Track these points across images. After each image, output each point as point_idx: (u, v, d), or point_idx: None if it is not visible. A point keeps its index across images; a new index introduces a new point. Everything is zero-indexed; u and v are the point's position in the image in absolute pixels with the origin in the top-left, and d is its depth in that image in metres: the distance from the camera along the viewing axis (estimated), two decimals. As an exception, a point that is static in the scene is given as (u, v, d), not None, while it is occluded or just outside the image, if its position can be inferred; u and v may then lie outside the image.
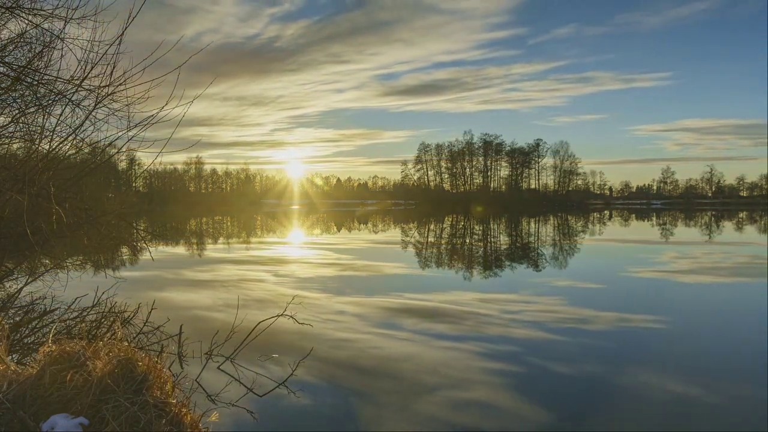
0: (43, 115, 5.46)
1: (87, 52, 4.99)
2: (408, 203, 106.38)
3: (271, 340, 6.86)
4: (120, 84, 5.00)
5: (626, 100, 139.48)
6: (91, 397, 2.62)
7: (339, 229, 36.17)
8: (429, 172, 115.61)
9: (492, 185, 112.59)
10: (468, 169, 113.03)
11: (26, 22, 5.33)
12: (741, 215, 57.86)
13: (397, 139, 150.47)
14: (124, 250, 16.01)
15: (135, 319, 6.89)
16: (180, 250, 21.49)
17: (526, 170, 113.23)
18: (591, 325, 8.19)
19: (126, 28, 4.70)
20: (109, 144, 5.82)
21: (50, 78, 5.24)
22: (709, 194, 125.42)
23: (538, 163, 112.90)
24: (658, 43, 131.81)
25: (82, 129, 5.47)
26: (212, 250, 21.35)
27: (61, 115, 5.38)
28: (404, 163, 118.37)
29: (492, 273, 14.60)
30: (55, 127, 5.40)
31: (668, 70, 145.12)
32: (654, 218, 52.14)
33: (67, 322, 6.45)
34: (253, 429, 4.48)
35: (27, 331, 6.12)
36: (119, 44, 4.80)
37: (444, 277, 13.98)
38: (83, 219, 6.23)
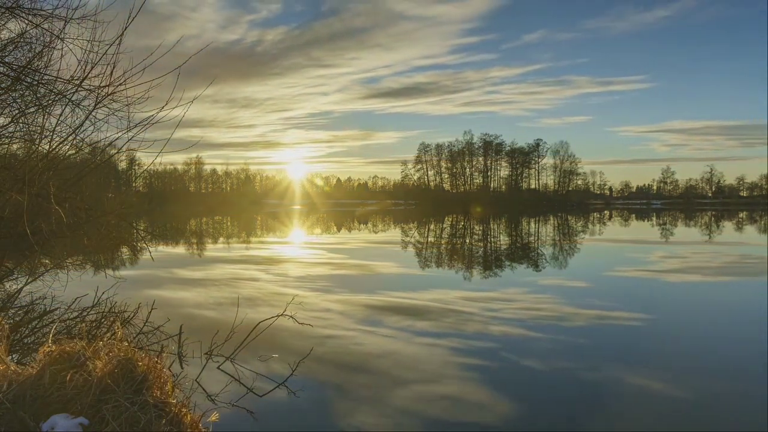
0: (43, 115, 5.46)
1: (87, 52, 4.99)
2: (408, 203, 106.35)
3: (271, 340, 6.86)
4: (120, 84, 4.99)
5: (608, 103, 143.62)
6: (91, 397, 2.62)
7: (339, 229, 36.18)
8: (429, 172, 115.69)
9: (492, 185, 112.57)
10: (468, 169, 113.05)
11: (26, 22, 5.34)
12: (741, 215, 57.87)
13: (388, 140, 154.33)
14: (124, 250, 16.01)
15: (135, 319, 6.89)
16: (180, 250, 21.49)
17: (526, 170, 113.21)
18: (569, 322, 8.35)
19: (126, 28, 4.70)
20: (109, 144, 5.83)
21: (50, 78, 5.24)
22: (709, 194, 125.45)
23: (538, 163, 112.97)
24: (629, 47, 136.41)
25: (82, 129, 5.48)
26: (212, 250, 21.36)
27: (61, 115, 5.39)
28: (404, 163, 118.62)
29: (484, 272, 14.64)
30: (55, 127, 5.41)
31: (642, 73, 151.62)
32: (654, 218, 52.17)
33: (67, 322, 6.45)
34: (253, 429, 4.48)
35: (27, 331, 6.13)
36: (119, 44, 4.80)
37: (437, 276, 13.99)
38: (83, 219, 6.23)
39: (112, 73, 4.91)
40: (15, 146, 6.75)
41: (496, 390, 5.43)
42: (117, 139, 5.62)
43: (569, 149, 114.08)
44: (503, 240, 27.40)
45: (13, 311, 6.78)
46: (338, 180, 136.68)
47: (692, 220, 46.31)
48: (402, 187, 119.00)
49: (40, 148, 5.49)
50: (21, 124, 6.05)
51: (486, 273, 14.52)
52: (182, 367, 5.84)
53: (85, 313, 6.84)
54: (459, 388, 5.50)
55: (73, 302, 7.05)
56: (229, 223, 45.32)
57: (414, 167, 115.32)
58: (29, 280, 7.11)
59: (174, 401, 2.77)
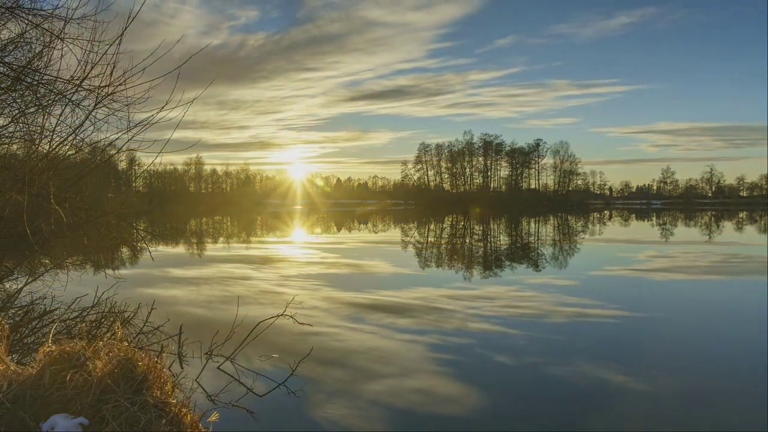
0: (43, 115, 5.45)
1: (87, 52, 4.99)
2: (408, 203, 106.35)
3: (271, 340, 6.86)
4: (120, 84, 4.99)
5: (590, 105, 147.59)
6: (91, 397, 2.62)
7: (339, 230, 36.20)
8: (429, 172, 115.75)
9: (492, 185, 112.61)
10: (468, 169, 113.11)
11: (26, 22, 5.33)
12: (741, 215, 57.87)
13: (380, 140, 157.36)
14: (124, 250, 16.01)
15: (135, 319, 6.89)
16: (180, 250, 21.49)
17: (526, 170, 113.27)
18: (549, 319, 8.55)
19: (126, 28, 4.70)
20: (109, 144, 5.83)
21: (50, 78, 5.24)
22: (709, 194, 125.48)
23: (538, 163, 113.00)
24: (599, 52, 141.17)
25: (82, 129, 5.47)
26: (213, 250, 21.35)
27: (61, 115, 5.38)
28: (404, 163, 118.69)
29: (477, 272, 14.69)
30: (55, 127, 5.40)
31: (616, 77, 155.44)
32: (654, 219, 52.17)
33: (67, 322, 6.45)
34: (253, 429, 4.48)
35: (27, 331, 6.13)
36: (119, 44, 4.80)
37: (433, 276, 13.99)
38: (83, 219, 6.23)
39: (112, 73, 4.91)
40: (15, 146, 6.75)
41: (470, 384, 5.64)
42: (117, 139, 5.62)
43: (569, 149, 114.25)
44: (501, 240, 27.41)
45: (13, 311, 6.78)
46: (338, 180, 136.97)
47: (692, 221, 46.32)
48: (402, 187, 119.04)
49: (40, 148, 5.49)
50: (21, 124, 6.05)
51: (480, 272, 14.55)
52: (182, 367, 5.84)
53: (85, 313, 6.84)
54: (405, 373, 5.76)
55: (73, 302, 7.04)
56: (229, 223, 45.32)
57: (414, 167, 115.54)
58: (29, 280, 7.11)
59: (174, 401, 2.77)
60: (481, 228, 37.29)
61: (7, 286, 7.59)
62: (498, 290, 11.35)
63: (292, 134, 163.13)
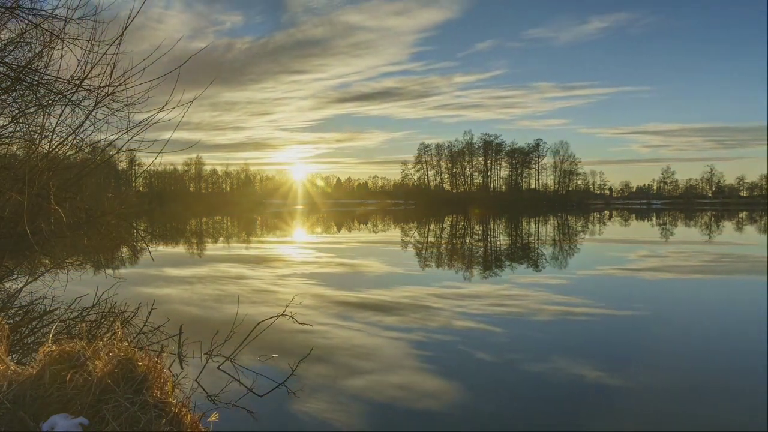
0: (43, 115, 5.45)
1: (87, 52, 4.99)
2: (408, 203, 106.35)
3: (271, 340, 6.86)
4: (120, 84, 4.99)
5: (576, 107, 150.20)
6: (91, 397, 2.62)
7: (338, 229, 36.21)
8: (429, 172, 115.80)
9: (492, 185, 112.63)
10: (468, 169, 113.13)
11: (26, 22, 5.33)
12: (741, 215, 57.87)
13: (374, 141, 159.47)
14: (124, 250, 16.01)
15: (135, 319, 6.88)
16: (181, 250, 21.49)
17: (526, 170, 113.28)
18: (533, 317, 8.76)
19: (126, 28, 4.70)
20: (109, 144, 5.82)
21: (50, 78, 5.24)
22: (709, 194, 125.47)
23: (538, 163, 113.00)
24: (578, 55, 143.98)
25: (82, 129, 5.47)
26: (213, 250, 21.35)
27: (61, 115, 5.38)
28: (404, 163, 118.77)
29: (469, 271, 14.77)
30: (55, 127, 5.40)
31: (598, 79, 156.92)
32: (654, 219, 52.18)
33: (67, 322, 6.45)
34: (253, 429, 4.48)
35: (27, 331, 6.12)
36: (119, 44, 4.80)
37: (424, 275, 14.00)
38: (83, 219, 6.22)
39: (112, 73, 4.92)
40: (15, 146, 6.74)
41: (441, 378, 5.87)
42: (117, 139, 5.62)
43: (569, 149, 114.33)
44: (499, 240, 27.41)
45: (13, 311, 6.77)
46: (338, 180, 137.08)
47: (691, 221, 46.33)
48: (402, 187, 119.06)
49: (40, 148, 5.49)
50: (21, 124, 6.04)
51: (474, 272, 14.60)
52: (182, 367, 5.84)
53: (85, 313, 6.84)
54: (387, 369, 5.95)
55: (73, 302, 7.04)
56: (229, 224, 45.31)
57: (414, 167, 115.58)
58: (29, 280, 7.10)
59: (174, 401, 2.77)
60: (480, 228, 37.30)
61: (7, 286, 7.58)
62: (488, 289, 11.53)
63: (285, 135, 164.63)
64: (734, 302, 10.54)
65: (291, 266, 15.58)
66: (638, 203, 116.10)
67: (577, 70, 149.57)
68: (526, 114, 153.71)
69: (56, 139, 5.40)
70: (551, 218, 52.68)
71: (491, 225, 41.60)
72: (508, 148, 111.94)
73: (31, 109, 5.74)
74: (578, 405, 5.22)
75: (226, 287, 11.59)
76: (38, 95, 5.45)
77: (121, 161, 74.03)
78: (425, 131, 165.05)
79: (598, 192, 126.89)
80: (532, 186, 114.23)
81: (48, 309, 6.78)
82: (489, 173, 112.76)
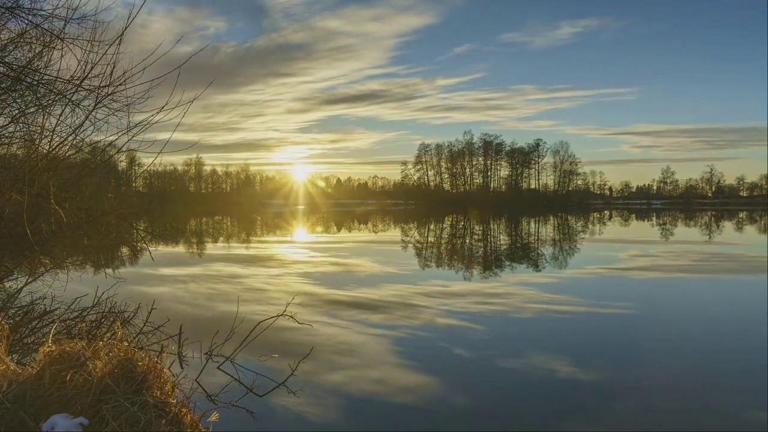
0: (43, 115, 5.45)
1: (87, 52, 4.99)
2: (408, 203, 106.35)
3: (271, 340, 6.86)
4: (120, 84, 5.00)
5: (562, 108, 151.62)
6: (91, 397, 2.62)
7: (338, 230, 36.23)
8: (429, 172, 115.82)
9: (492, 185, 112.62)
10: (468, 169, 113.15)
11: (26, 22, 5.34)
12: (741, 215, 57.87)
13: (366, 142, 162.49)
14: (124, 250, 16.01)
15: (135, 319, 6.88)
16: (181, 250, 21.49)
17: (526, 170, 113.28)
18: (515, 315, 8.97)
19: (126, 28, 4.70)
20: (109, 144, 5.82)
21: (50, 78, 5.24)
22: (709, 194, 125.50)
23: (538, 163, 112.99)
24: (556, 58, 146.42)
25: (82, 129, 5.47)
26: (213, 249, 21.35)
27: (61, 115, 5.38)
28: (404, 163, 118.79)
29: (462, 271, 14.86)
30: (55, 127, 5.40)
31: (577, 82, 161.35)
32: (653, 219, 52.19)
33: (67, 322, 6.44)
34: (253, 429, 4.48)
35: (27, 331, 6.12)
36: (119, 44, 4.80)
37: (419, 274, 14.00)
38: (83, 219, 6.22)
39: (112, 73, 4.92)
40: (15, 146, 6.74)
41: (417, 372, 6.07)
42: (117, 139, 5.61)
43: (569, 149, 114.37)
44: (497, 240, 27.42)
45: (13, 311, 6.77)
46: (338, 180, 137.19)
47: (691, 221, 46.35)
48: (402, 186, 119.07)
49: (40, 148, 5.49)
50: (21, 124, 6.04)
51: (466, 271, 14.66)
52: (182, 367, 5.84)
53: (85, 313, 6.83)
54: (366, 364, 6.16)
55: (73, 302, 7.03)
56: (232, 224, 45.31)
57: (414, 167, 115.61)
58: (29, 280, 7.10)
59: (174, 401, 2.77)
60: (479, 228, 37.31)
61: (7, 286, 7.58)
62: (476, 287, 11.72)
63: (279, 135, 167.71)
64: (721, 300, 10.65)
65: (291, 266, 15.59)
66: (638, 203, 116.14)
67: (555, 74, 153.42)
68: (513, 116, 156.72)
69: (56, 139, 5.41)
70: (551, 218, 52.70)
71: (491, 225, 41.61)
72: (508, 148, 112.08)
73: (31, 109, 5.74)
74: (551, 401, 5.32)
75: (226, 287, 11.59)
76: (38, 95, 5.45)
77: (121, 161, 73.98)
78: (415, 132, 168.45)
79: (598, 192, 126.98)
80: (532, 186, 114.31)
81: (48, 309, 6.78)
82: (489, 173, 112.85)
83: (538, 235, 29.90)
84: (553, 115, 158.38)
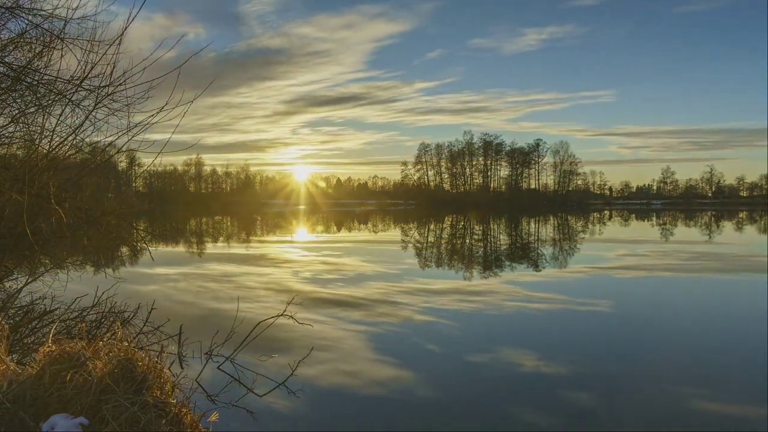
0: (43, 115, 5.44)
1: (87, 52, 4.99)
2: (408, 203, 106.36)
3: (271, 340, 6.86)
4: (120, 84, 4.99)
5: (545, 110, 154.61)
6: (91, 397, 2.62)
7: (338, 229, 36.25)
8: (429, 172, 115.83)
9: (492, 185, 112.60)
10: (468, 169, 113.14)
11: (26, 22, 5.33)
12: (741, 215, 57.86)
13: (356, 142, 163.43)
14: (124, 250, 16.01)
15: (135, 319, 6.88)
16: (181, 250, 21.49)
17: (526, 170, 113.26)
18: (491, 312, 9.18)
19: (126, 28, 4.70)
20: (109, 144, 5.82)
21: (50, 78, 5.23)
22: (709, 194, 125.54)
23: (538, 163, 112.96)
24: (527, 63, 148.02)
25: (82, 129, 5.46)
26: (213, 249, 21.34)
27: (61, 115, 5.37)
28: (404, 163, 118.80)
29: (454, 270, 14.90)
30: (55, 127, 5.39)
31: (548, 84, 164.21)
32: (653, 219, 52.20)
33: (67, 322, 6.44)
34: (253, 429, 4.48)
35: (27, 331, 6.12)
36: (119, 44, 4.80)
37: (413, 274, 14.01)
38: (83, 219, 6.22)
39: (112, 73, 4.91)
40: (15, 146, 6.73)
41: (388, 366, 6.25)
42: (117, 139, 5.61)
43: (569, 149, 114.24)
44: (494, 240, 27.42)
45: (13, 311, 6.77)
46: (338, 180, 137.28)
47: (691, 221, 46.35)
48: (402, 187, 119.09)
49: (40, 148, 5.48)
50: (21, 124, 6.03)
51: (457, 271, 14.66)
52: (182, 367, 5.84)
53: (85, 313, 6.83)
54: (342, 359, 6.19)
55: (73, 302, 7.03)
56: (232, 223, 45.32)
57: (414, 167, 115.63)
58: (29, 280, 7.09)
59: (174, 401, 2.77)
60: (479, 228, 37.31)
61: (7, 286, 7.57)
62: (461, 285, 11.95)
63: (269, 136, 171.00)
64: (707, 299, 10.83)
65: (291, 266, 15.58)
66: (638, 203, 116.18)
67: (530, 78, 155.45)
68: (497, 117, 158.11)
69: (56, 139, 5.40)
70: (551, 218, 52.70)
71: (490, 225, 41.62)
72: (508, 148, 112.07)
73: (31, 109, 5.73)
74: (520, 394, 5.46)
75: (226, 287, 11.59)
76: (38, 95, 5.45)
77: (121, 161, 73.94)
78: (405, 133, 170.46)
79: (598, 192, 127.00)
80: (532, 186, 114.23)
81: (48, 309, 6.77)
82: (489, 173, 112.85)
83: (537, 236, 29.90)
84: (537, 117, 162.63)
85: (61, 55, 5.12)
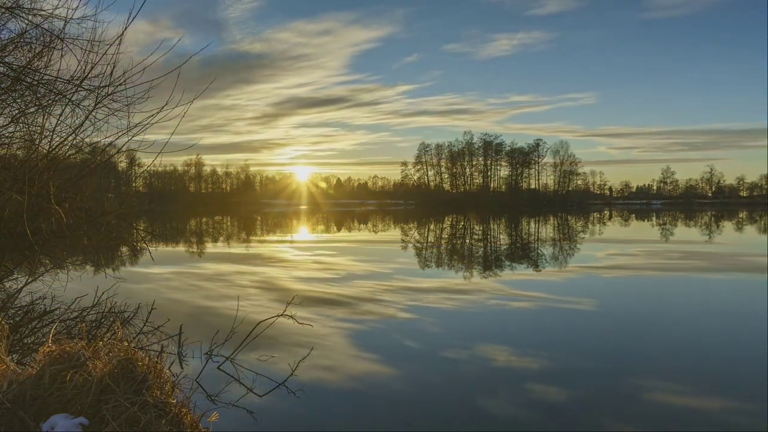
0: (43, 115, 5.44)
1: (87, 52, 4.99)
2: (408, 203, 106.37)
3: (271, 339, 6.86)
4: (120, 84, 4.99)
5: (529, 112, 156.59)
6: (91, 397, 2.62)
7: (338, 229, 36.27)
8: (429, 173, 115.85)
9: (492, 185, 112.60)
10: (468, 169, 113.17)
11: (26, 22, 5.34)
12: (741, 215, 57.88)
13: (349, 143, 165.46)
14: (124, 250, 16.01)
15: (135, 319, 6.89)
16: (180, 249, 21.49)
17: (526, 170, 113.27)
18: (471, 310, 9.32)
19: (126, 28, 4.70)
20: (109, 144, 5.82)
21: (50, 78, 5.23)
22: (709, 194, 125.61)
23: (538, 163, 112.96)
24: (502, 67, 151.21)
25: (82, 129, 5.46)
26: (213, 249, 21.35)
27: (61, 115, 5.38)
28: (404, 163, 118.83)
29: (463, 271, 14.84)
30: (55, 127, 5.40)
31: (526, 89, 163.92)
32: (653, 219, 52.21)
33: (67, 322, 6.45)
34: (253, 429, 4.48)
35: (27, 331, 6.12)
36: (119, 44, 4.80)
37: (412, 273, 14.02)
38: (83, 219, 6.22)
39: (112, 73, 4.92)
40: (15, 146, 6.73)
41: (366, 360, 6.40)
42: (117, 139, 5.61)
43: (569, 149, 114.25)
44: (497, 241, 27.41)
45: (13, 311, 6.77)
46: (338, 180, 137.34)
47: (690, 220, 46.37)
48: (402, 187, 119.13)
49: (40, 148, 5.48)
50: (21, 125, 6.04)
51: (448, 270, 14.62)
52: (182, 367, 5.84)
53: (85, 313, 6.84)
54: (324, 355, 5.99)
55: (73, 302, 7.04)
56: (232, 223, 45.33)
57: (414, 167, 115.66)
58: (29, 280, 7.09)
59: (174, 401, 2.77)
60: (478, 228, 37.32)
61: (7, 286, 7.58)
62: (461, 286, 11.97)
63: (263, 137, 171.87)
64: (694, 297, 10.97)
65: (292, 266, 15.59)
66: (638, 203, 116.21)
67: (507, 81, 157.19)
68: (483, 119, 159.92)
69: (56, 139, 5.40)
70: (551, 218, 52.71)
71: (490, 225, 41.63)
72: (508, 148, 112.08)
73: (31, 109, 5.73)
74: (497, 388, 5.53)
75: (226, 287, 11.59)
76: (38, 95, 5.45)
77: (121, 161, 73.88)
78: (396, 134, 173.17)
79: (598, 192, 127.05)
80: (532, 186, 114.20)
81: (48, 309, 6.78)
82: (489, 173, 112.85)
83: (537, 236, 29.91)
84: (522, 119, 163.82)
85: (61, 55, 5.12)
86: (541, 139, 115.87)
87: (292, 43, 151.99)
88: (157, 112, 5.12)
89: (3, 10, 5.25)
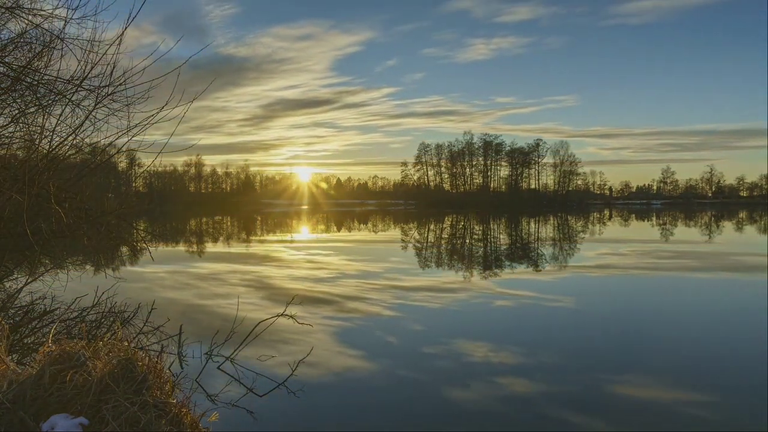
0: (43, 115, 5.44)
1: (87, 52, 4.99)
2: (408, 203, 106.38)
3: (271, 340, 6.86)
4: (120, 84, 5.00)
5: (518, 114, 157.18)
6: (91, 397, 2.62)
7: (338, 229, 36.28)
8: (429, 173, 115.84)
9: (492, 185, 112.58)
10: (468, 170, 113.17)
11: (26, 22, 5.34)
12: (741, 215, 57.88)
13: (344, 142, 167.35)
14: (124, 250, 16.01)
15: (135, 319, 6.89)
16: (180, 249, 21.49)
17: (526, 170, 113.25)
18: (455, 307, 9.45)
19: (126, 28, 4.70)
20: (109, 144, 5.82)
21: (50, 78, 5.23)
22: (709, 194, 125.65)
23: (538, 163, 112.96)
24: (483, 71, 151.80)
25: (82, 129, 5.46)
26: (213, 249, 21.35)
27: (61, 115, 5.38)
28: (404, 163, 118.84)
29: (463, 270, 14.85)
30: (55, 127, 5.39)
31: (508, 91, 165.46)
32: (653, 218, 52.22)
33: (67, 322, 6.45)
34: (253, 429, 4.48)
35: (27, 331, 6.12)
36: (119, 44, 4.80)
37: (412, 273, 14.02)
38: (83, 219, 6.22)
39: (112, 73, 4.92)
40: (15, 146, 6.73)
41: (351, 357, 6.53)
42: (117, 139, 5.61)
43: (569, 149, 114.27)
44: (497, 241, 27.41)
45: (13, 311, 6.77)
46: (338, 180, 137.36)
47: (690, 220, 46.38)
48: (402, 187, 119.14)
49: (40, 148, 5.48)
50: (21, 124, 6.04)
51: (442, 269, 14.60)
52: (182, 367, 5.84)
53: (85, 313, 6.84)
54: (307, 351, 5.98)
55: (73, 302, 7.04)
56: (232, 223, 45.33)
57: (414, 167, 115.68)
58: (29, 280, 7.09)
59: (174, 401, 2.77)
60: (478, 228, 37.32)
61: (7, 286, 7.58)
62: (460, 285, 12.06)
63: (257, 138, 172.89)
64: (689, 297, 10.98)
65: (292, 266, 15.59)
66: (638, 203, 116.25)
67: (489, 84, 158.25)
68: (471, 120, 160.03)
69: (56, 139, 5.40)
70: (551, 218, 52.72)
71: (490, 225, 41.64)
72: (508, 148, 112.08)
73: (31, 109, 5.73)
74: (473, 383, 5.62)
75: (226, 287, 11.59)
76: (38, 95, 5.45)
77: (121, 161, 73.93)
78: (390, 135, 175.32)
79: (598, 192, 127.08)
80: (532, 186, 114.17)
81: (48, 309, 6.78)
82: (489, 173, 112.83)
83: (537, 235, 29.91)
84: (510, 120, 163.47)
85: (61, 55, 5.12)
86: (540, 139, 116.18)
87: (275, 47, 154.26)
88: (157, 112, 5.12)
89: (3, 10, 5.25)
